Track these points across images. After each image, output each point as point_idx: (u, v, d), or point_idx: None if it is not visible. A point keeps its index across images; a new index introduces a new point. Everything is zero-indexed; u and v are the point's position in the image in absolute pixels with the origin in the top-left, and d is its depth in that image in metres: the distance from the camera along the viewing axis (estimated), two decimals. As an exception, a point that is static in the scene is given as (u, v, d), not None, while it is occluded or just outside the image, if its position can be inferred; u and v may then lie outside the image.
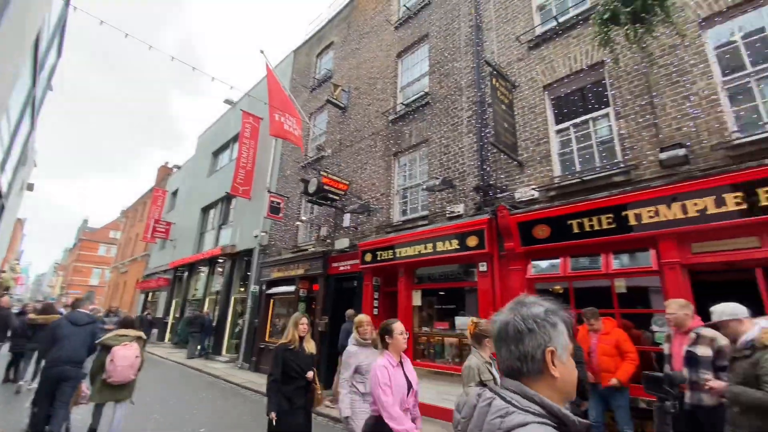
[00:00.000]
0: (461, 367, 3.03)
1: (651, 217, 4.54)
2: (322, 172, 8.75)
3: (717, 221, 4.10)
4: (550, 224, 5.44)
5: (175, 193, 23.33)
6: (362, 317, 3.79)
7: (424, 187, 7.30)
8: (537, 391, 0.87)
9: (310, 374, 3.58)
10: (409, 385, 2.83)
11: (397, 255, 7.46)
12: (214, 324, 13.62)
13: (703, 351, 3.20)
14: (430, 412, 5.93)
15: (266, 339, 11.03)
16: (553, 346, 0.92)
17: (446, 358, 6.69)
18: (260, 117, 14.00)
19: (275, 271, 11.22)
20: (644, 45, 4.88)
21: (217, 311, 13.92)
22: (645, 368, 3.99)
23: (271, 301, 11.48)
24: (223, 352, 13.20)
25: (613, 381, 4.06)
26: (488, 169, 6.70)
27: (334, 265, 9.23)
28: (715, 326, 2.95)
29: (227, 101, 16.84)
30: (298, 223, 11.14)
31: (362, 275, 8.26)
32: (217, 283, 14.92)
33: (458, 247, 6.44)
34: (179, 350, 14.52)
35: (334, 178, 8.89)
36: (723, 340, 3.05)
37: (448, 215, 7.03)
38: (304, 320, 3.70)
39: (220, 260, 14.65)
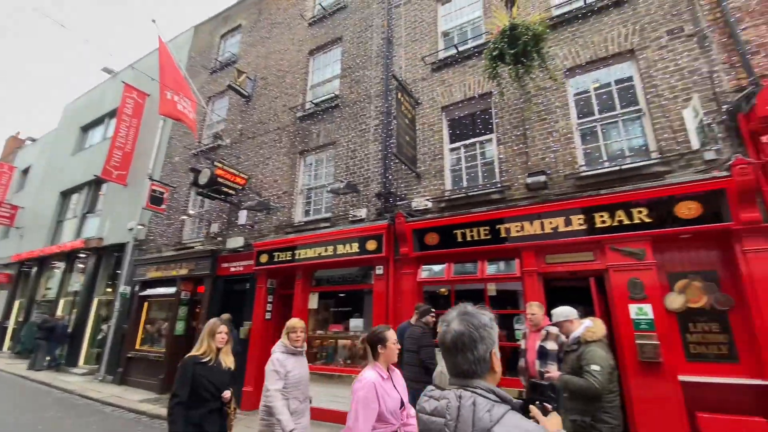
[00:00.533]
0: (355, 369, 3.11)
1: (518, 231, 5.30)
2: (217, 163, 8.05)
3: (565, 237, 4.97)
4: (439, 233, 5.93)
5: (26, 171, 18.93)
6: (296, 322, 3.41)
7: (329, 189, 7.27)
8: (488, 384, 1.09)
9: (227, 394, 3.00)
10: (402, 398, 2.41)
11: (297, 257, 7.28)
12: (69, 330, 11.37)
13: (551, 345, 3.86)
14: (322, 415, 5.89)
15: (137, 347, 9.64)
16: (495, 347, 1.15)
17: (338, 360, 6.74)
18: (147, 93, 12.28)
19: (153, 270, 9.91)
20: (523, 84, 5.69)
21: (74, 315, 11.66)
22: (505, 362, 4.63)
23: (146, 303, 10.09)
24: (80, 363, 11.12)
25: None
26: (390, 177, 7.00)
27: (225, 265, 8.56)
28: (556, 326, 3.58)
29: (106, 70, 14.37)
30: (184, 217, 10.03)
31: (255, 277, 7.83)
32: (77, 282, 12.52)
33: (358, 250, 6.58)
34: (22, 361, 11.81)
35: (231, 170, 8.26)
36: (563, 337, 3.72)
37: (350, 219, 7.13)
38: (223, 329, 3.13)
39: (82, 255, 12.33)
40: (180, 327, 9.05)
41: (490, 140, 6.33)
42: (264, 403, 3.10)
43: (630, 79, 5.39)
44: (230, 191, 8.31)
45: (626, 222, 4.62)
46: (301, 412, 3.22)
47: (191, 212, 10.04)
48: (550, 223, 5.09)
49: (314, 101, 8.73)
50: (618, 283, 4.56)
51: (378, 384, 2.21)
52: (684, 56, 4.94)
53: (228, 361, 3.12)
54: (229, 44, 11.97)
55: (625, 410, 4.34)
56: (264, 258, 7.66)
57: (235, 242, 8.49)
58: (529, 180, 5.27)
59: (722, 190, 4.18)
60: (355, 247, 6.61)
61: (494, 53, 5.09)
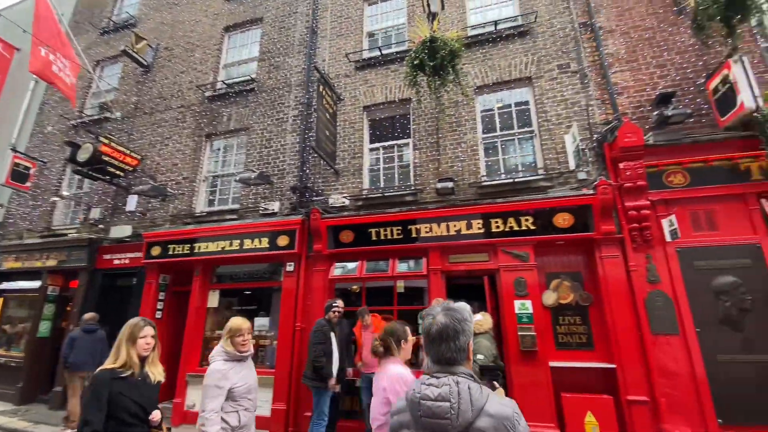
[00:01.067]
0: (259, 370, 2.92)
1: (427, 232, 5.62)
2: (102, 138, 6.93)
3: (466, 240, 5.42)
4: (355, 230, 5.98)
5: None
6: (240, 322, 2.86)
7: (239, 178, 6.79)
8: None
9: (156, 416, 2.42)
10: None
11: (196, 250, 6.65)
12: None
13: None
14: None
15: (-25, 355, 7.80)
16: (471, 339, 1.38)
17: (239, 361, 6.34)
18: (16, 47, 10.00)
19: (11, 259, 8.18)
20: (438, 95, 6.03)
21: None
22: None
23: (0, 300, 8.24)
24: None
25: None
26: (308, 171, 6.82)
27: (107, 257, 7.43)
28: None
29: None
30: (56, 198, 8.43)
31: (145, 271, 6.95)
32: None
33: (268, 245, 6.28)
34: None
35: (120, 148, 7.19)
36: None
37: (261, 212, 6.76)
38: (148, 332, 2.47)
39: None
40: (45, 328, 7.61)
41: (407, 144, 6.59)
42: (199, 426, 2.59)
43: (527, 103, 6.11)
44: (118, 172, 7.23)
45: (515, 228, 5.23)
46: (248, 425, 2.81)
47: (65, 193, 8.47)
48: (455, 225, 5.50)
49: (227, 82, 8.07)
50: (507, 281, 5.14)
51: (409, 377, 2.27)
52: (569, 89, 5.77)
53: (157, 372, 2.49)
54: (128, 3, 10.41)
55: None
56: (156, 250, 6.84)
57: (122, 231, 7.41)
58: (439, 185, 5.62)
59: (589, 206, 4.99)
60: (265, 242, 6.29)
61: (415, 62, 5.30)
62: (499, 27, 6.40)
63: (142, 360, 2.44)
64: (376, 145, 6.82)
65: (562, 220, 5.10)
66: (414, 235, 5.69)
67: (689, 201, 4.77)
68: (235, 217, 6.92)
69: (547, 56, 6.03)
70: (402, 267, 5.81)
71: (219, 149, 7.90)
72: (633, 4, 5.83)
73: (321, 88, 6.27)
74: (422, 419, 1.22)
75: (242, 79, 7.98)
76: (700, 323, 4.37)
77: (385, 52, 7.00)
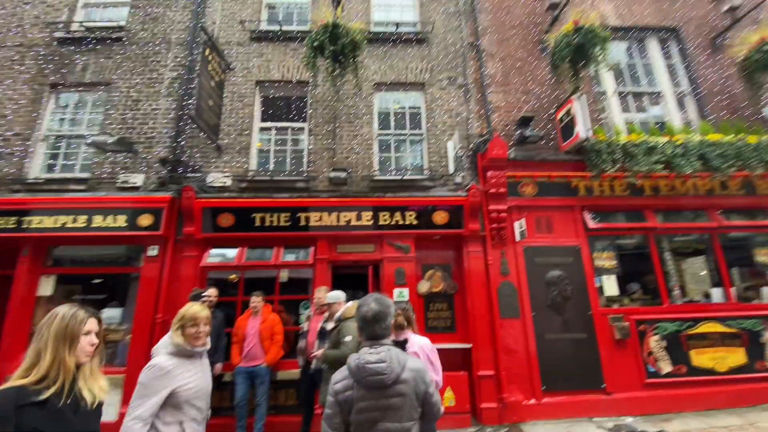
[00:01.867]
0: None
1: (317, 221, 5.55)
2: None
3: (355, 230, 5.54)
4: (236, 214, 5.54)
5: None
6: (198, 310, 2.29)
7: (91, 141, 5.60)
8: None
9: None
10: None
11: (26, 225, 5.30)
12: None
13: (330, 325, 4.19)
14: None
15: None
16: (392, 320, 1.89)
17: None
18: None
19: None
20: (338, 84, 6.00)
21: None
22: (288, 344, 4.79)
23: None
24: None
25: (263, 366, 4.55)
26: (183, 143, 6.04)
27: None
28: (329, 305, 4.06)
29: None
30: None
31: (-65, 248, 5.23)
32: None
33: (126, 224, 5.36)
34: None
35: None
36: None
37: (120, 184, 5.72)
38: (92, 325, 1.67)
39: None
40: None
41: (302, 129, 6.38)
42: None
43: (419, 107, 6.53)
44: None
45: (401, 222, 5.57)
46: None
47: None
48: (346, 216, 5.57)
49: (87, 24, 6.58)
50: (389, 271, 5.43)
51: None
52: (454, 100, 6.38)
53: (97, 389, 1.66)
54: None
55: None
56: (-44, 222, 5.20)
57: None
58: (333, 174, 5.61)
59: (462, 206, 5.62)
60: (122, 220, 5.36)
61: (315, 44, 5.17)
62: (400, 29, 6.68)
63: (75, 371, 1.61)
64: (269, 124, 6.43)
65: (440, 217, 5.62)
66: (303, 223, 5.56)
67: (535, 208, 5.76)
68: (83, 188, 5.71)
69: (440, 66, 6.55)
70: (288, 256, 5.63)
71: (67, 104, 6.40)
72: (510, 35, 6.74)
73: (207, 52, 5.60)
74: (367, 378, 1.67)
75: (107, 24, 6.61)
76: (535, 308, 5.34)
77: (285, 28, 6.63)
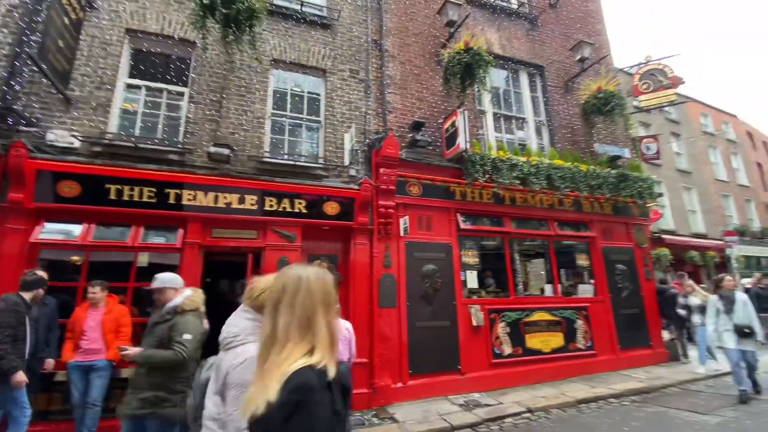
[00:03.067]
0: None
1: (189, 199, 4.95)
2: None
3: (237, 214, 5.13)
4: (84, 183, 4.58)
5: None
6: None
7: None
8: None
9: None
10: None
11: None
12: None
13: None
14: None
15: None
16: None
17: None
18: None
19: None
20: (230, 51, 5.45)
21: None
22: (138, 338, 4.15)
23: None
24: None
25: (103, 360, 3.87)
26: (17, 87, 4.71)
27: None
28: (156, 292, 2.97)
29: None
30: None
31: None
32: None
33: None
34: None
35: None
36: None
37: None
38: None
39: None
40: None
41: (182, 94, 5.61)
42: None
43: (318, 94, 6.38)
44: None
45: (288, 209, 5.37)
46: None
47: None
48: (225, 197, 5.10)
49: None
50: (271, 260, 5.19)
51: None
52: (355, 93, 6.42)
53: None
54: None
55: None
56: None
57: None
58: (213, 150, 5.05)
59: (353, 199, 5.71)
60: None
61: (205, 1, 4.58)
62: (306, 9, 6.41)
63: None
64: (139, 82, 5.48)
65: (331, 208, 5.61)
66: (172, 201, 4.90)
67: (419, 207, 6.20)
68: None
69: (342, 57, 6.51)
70: (152, 238, 4.90)
71: None
72: (411, 41, 7.09)
73: (57, -23, 4.47)
74: None
75: None
76: (410, 298, 5.77)
77: (170, -25, 5.71)
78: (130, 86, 5.46)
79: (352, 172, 6.00)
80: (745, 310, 5.11)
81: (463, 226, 6.42)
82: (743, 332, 4.99)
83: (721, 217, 18.05)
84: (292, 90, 6.26)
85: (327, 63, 6.36)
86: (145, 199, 4.80)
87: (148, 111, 5.45)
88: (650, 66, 8.85)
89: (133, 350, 2.78)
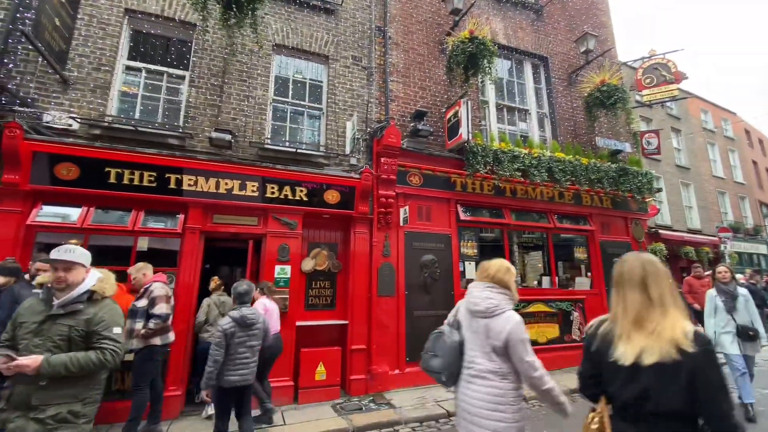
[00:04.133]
0: None
1: (191, 185, 4.92)
2: None
3: (239, 201, 5.11)
4: (83, 166, 4.53)
5: None
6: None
7: None
8: None
9: None
10: None
11: None
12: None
13: (142, 303, 3.83)
14: None
15: None
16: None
17: None
18: None
19: None
20: (231, 35, 5.36)
21: None
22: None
23: None
24: None
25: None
26: (12, 66, 4.63)
27: None
28: (63, 267, 2.08)
29: None
30: None
31: None
32: None
33: None
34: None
35: None
36: (160, 291, 3.83)
37: None
38: None
39: None
40: None
41: (182, 77, 5.53)
42: (542, 383, 1.90)
43: (321, 81, 6.31)
44: None
45: (290, 197, 5.36)
46: None
47: None
48: (227, 183, 5.08)
49: None
50: (272, 247, 5.20)
51: None
52: (357, 81, 6.36)
53: None
54: None
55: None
56: None
57: None
58: (215, 135, 5.01)
59: (354, 188, 5.70)
60: None
61: (208, -18, 4.49)
62: (308, -6, 6.30)
63: None
64: (139, 64, 5.39)
65: (332, 196, 5.60)
66: (173, 186, 4.87)
67: (419, 197, 6.21)
68: None
69: (346, 43, 6.42)
70: (150, 222, 4.88)
71: None
72: (415, 29, 6.99)
73: (55, -48, 4.35)
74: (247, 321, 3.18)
75: None
76: (409, 288, 5.81)
77: (170, -46, 5.57)
78: (129, 68, 5.38)
79: (353, 161, 5.98)
80: (747, 307, 4.35)
81: (463, 217, 6.44)
82: (748, 335, 4.24)
83: (716, 213, 18.19)
84: (294, 76, 6.18)
85: (330, 49, 6.27)
86: (145, 184, 4.77)
87: (147, 94, 5.38)
88: (654, 60, 8.80)
89: (28, 360, 1.84)
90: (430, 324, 5.79)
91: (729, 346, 4.28)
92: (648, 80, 8.75)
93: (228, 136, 5.00)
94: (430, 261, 6.01)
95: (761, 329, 4.31)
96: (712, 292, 4.61)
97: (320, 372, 4.97)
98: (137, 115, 5.25)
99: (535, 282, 7.34)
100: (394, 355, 5.53)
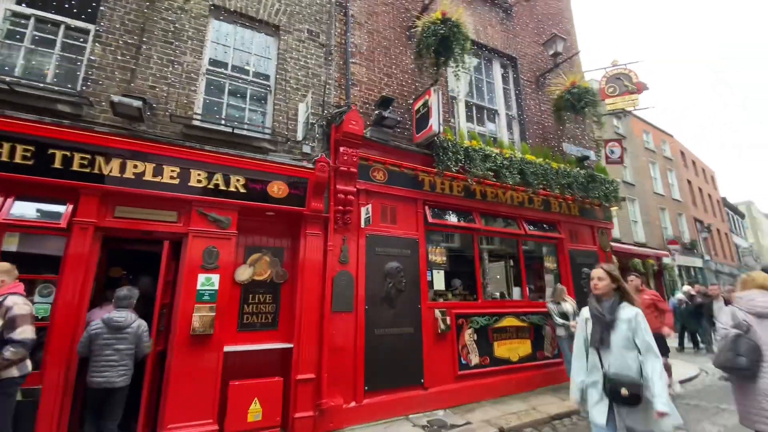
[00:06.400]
0: None
1: (84, 165, 3.71)
2: None
3: (151, 189, 3.95)
4: None
5: None
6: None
7: None
8: None
9: None
10: None
11: None
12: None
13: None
14: None
15: None
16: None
17: None
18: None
19: None
20: (155, -17, 4.28)
21: None
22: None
23: None
24: None
25: None
26: None
27: None
28: None
29: None
30: None
31: None
32: None
33: None
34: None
35: None
36: (23, 308, 2.87)
37: None
38: None
39: None
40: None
41: (86, 31, 4.31)
42: None
43: (269, 53, 5.35)
44: None
45: (222, 187, 4.29)
46: None
47: None
48: (136, 166, 3.91)
49: None
50: (195, 251, 4.07)
51: None
52: (313, 59, 5.47)
53: None
54: None
55: (156, 387, 3.80)
56: None
57: None
58: (118, 99, 3.78)
59: (306, 180, 4.75)
60: None
61: None
62: (258, -47, 5.36)
63: None
64: (25, 10, 4.12)
65: (278, 188, 4.60)
66: (59, 164, 3.64)
67: (383, 196, 5.37)
68: None
69: (301, 15, 5.53)
70: (23, 212, 3.59)
71: None
72: (381, 10, 6.28)
73: None
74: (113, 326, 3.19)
75: None
76: (369, 301, 4.90)
77: None
78: (15, 13, 4.10)
79: (306, 149, 5.04)
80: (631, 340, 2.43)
81: (431, 219, 5.69)
82: (619, 394, 2.32)
83: (657, 228, 19.24)
84: (235, 46, 5.16)
85: (281, 19, 5.35)
86: (18, 160, 3.51)
87: (33, 46, 4.11)
88: (617, 70, 8.80)
89: None
90: (393, 344, 4.91)
91: (593, 408, 2.46)
92: (611, 89, 8.71)
93: (138, 103, 3.83)
94: (395, 269, 5.16)
95: (658, 386, 2.21)
96: (584, 313, 2.68)
97: (254, 411, 3.88)
98: (18, 72, 3.96)
99: (498, 294, 6.72)
100: (351, 383, 4.55)
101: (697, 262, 20.79)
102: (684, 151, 24.30)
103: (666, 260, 18.32)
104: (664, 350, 5.18)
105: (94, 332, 3.24)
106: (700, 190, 25.00)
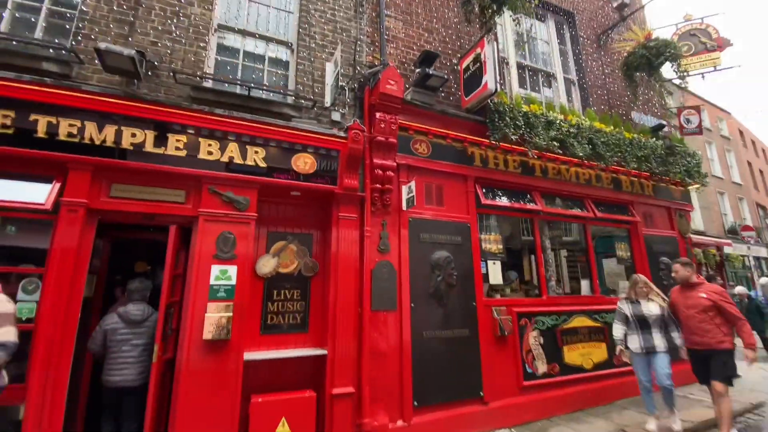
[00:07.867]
0: None
1: (72, 133, 3.04)
2: None
3: (153, 162, 3.25)
4: None
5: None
6: None
7: None
8: None
9: None
10: None
11: None
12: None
13: None
14: None
15: None
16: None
17: None
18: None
19: None
20: None
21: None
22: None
23: None
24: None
25: None
26: None
27: None
28: None
29: None
30: None
31: None
32: None
33: None
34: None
35: None
36: (5, 306, 2.39)
37: None
38: None
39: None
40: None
41: (76, -19, 3.64)
42: None
43: (290, 6, 4.55)
44: None
45: (238, 161, 3.53)
46: None
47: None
48: (134, 134, 3.21)
49: None
50: (206, 236, 3.33)
51: None
52: (341, 11, 4.62)
53: None
54: None
55: (165, 405, 3.12)
56: None
57: None
58: (107, 47, 3.05)
59: (337, 151, 3.94)
60: None
61: None
62: None
63: None
64: (2, -46, 3.48)
65: (304, 162, 3.81)
66: (42, 133, 2.98)
67: (427, 172, 4.49)
68: None
69: (327, -40, 4.69)
70: (4, 191, 2.96)
71: None
72: (419, -45, 5.33)
73: None
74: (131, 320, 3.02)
75: None
76: (415, 298, 4.05)
77: None
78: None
79: (336, 116, 4.21)
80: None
81: (484, 200, 4.76)
82: None
83: (717, 214, 17.37)
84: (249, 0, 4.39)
85: (304, -37, 4.52)
86: (-7, 130, 2.86)
87: (23, 2, 3.47)
88: (691, 25, 7.46)
89: None
90: (446, 349, 4.04)
91: None
92: (685, 48, 7.37)
93: (129, 52, 3.07)
94: (444, 259, 4.27)
95: None
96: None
97: (282, 434, 3.13)
98: (2, 28, 3.34)
99: (560, 290, 5.69)
100: (396, 398, 3.73)
101: (762, 252, 18.70)
102: (743, 130, 21.93)
103: (727, 249, 16.46)
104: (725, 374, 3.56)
105: (110, 327, 3.11)
106: (761, 172, 22.58)
